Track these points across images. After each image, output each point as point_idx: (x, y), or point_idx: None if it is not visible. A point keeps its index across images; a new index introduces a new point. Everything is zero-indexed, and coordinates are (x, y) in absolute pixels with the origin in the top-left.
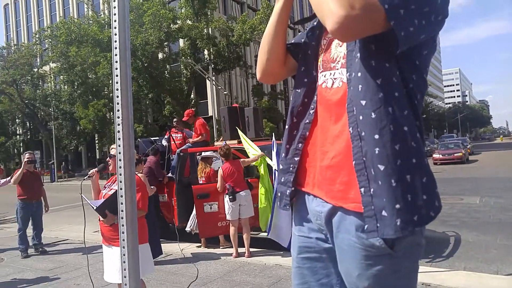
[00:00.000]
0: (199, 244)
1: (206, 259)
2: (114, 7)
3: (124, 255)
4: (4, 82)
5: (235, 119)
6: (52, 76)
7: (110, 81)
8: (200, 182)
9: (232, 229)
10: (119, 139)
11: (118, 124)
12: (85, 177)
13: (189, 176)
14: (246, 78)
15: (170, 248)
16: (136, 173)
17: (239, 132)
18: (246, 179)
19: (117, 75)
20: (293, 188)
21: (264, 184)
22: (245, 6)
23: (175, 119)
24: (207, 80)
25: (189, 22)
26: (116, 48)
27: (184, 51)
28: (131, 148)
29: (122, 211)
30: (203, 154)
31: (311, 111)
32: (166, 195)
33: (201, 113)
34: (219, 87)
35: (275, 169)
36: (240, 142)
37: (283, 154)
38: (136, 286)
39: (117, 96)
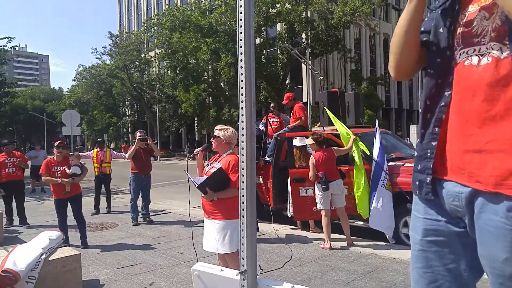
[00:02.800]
0: (293, 227)
1: (299, 241)
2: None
3: (242, 224)
4: (117, 67)
5: (334, 104)
6: (156, 62)
7: (210, 67)
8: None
9: (325, 219)
10: (242, 115)
11: (242, 101)
12: (190, 156)
13: (286, 160)
14: (344, 62)
15: (263, 228)
16: (229, 153)
17: (329, 113)
18: (339, 168)
19: (241, 53)
20: (432, 176)
21: (360, 171)
22: None
23: (272, 104)
24: (303, 65)
25: (287, 5)
26: (241, 26)
27: (282, 36)
28: (253, 124)
29: (243, 182)
30: (296, 143)
31: (447, 93)
32: (261, 177)
33: (297, 98)
34: (315, 72)
35: (374, 158)
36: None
37: (418, 140)
38: (251, 253)
39: (241, 74)
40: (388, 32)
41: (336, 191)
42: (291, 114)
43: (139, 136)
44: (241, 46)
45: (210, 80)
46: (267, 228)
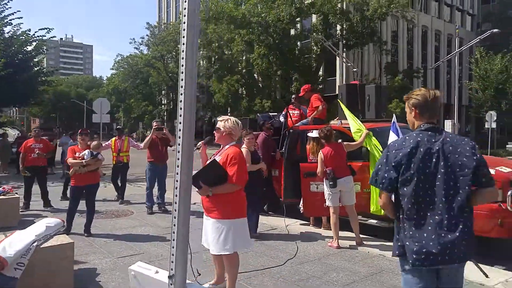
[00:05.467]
0: (305, 222)
1: (309, 239)
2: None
3: (174, 225)
4: (154, 57)
5: (353, 97)
6: None
7: (243, 57)
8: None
9: (333, 217)
10: (180, 108)
11: (181, 94)
12: (195, 149)
13: (300, 153)
14: (379, 54)
15: (277, 223)
16: (231, 145)
17: (342, 106)
18: (349, 164)
19: (183, 51)
20: None
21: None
22: None
23: (293, 96)
24: (337, 57)
25: None
26: (184, 30)
27: (316, 27)
28: (192, 121)
29: (176, 181)
30: (311, 135)
31: None
32: (277, 170)
33: (329, 91)
34: (349, 64)
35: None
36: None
37: None
38: (182, 258)
39: (182, 65)
40: (427, 24)
41: (345, 188)
42: (309, 106)
43: (155, 126)
44: (183, 37)
45: (244, 71)
46: (279, 223)
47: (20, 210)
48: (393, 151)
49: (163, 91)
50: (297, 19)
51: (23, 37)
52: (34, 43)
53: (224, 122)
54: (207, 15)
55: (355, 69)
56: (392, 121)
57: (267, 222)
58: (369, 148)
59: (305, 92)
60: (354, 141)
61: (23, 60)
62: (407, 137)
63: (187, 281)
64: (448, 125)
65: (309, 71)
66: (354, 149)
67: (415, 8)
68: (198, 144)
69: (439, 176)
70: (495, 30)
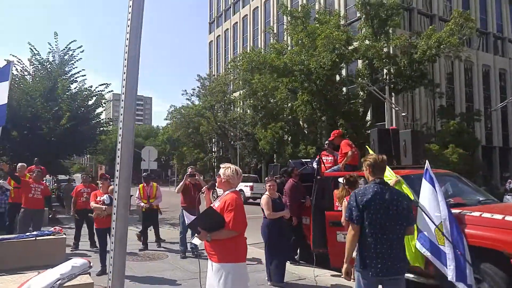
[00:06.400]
0: (336, 273)
1: None
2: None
3: (111, 265)
4: (204, 107)
5: (386, 142)
6: (239, 102)
7: (288, 105)
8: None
9: None
10: (118, 156)
11: (119, 142)
12: (201, 193)
13: (328, 201)
14: (431, 97)
15: (306, 273)
16: (230, 192)
17: (370, 152)
18: None
19: (123, 93)
20: None
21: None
22: (436, 18)
23: (326, 142)
24: (385, 102)
25: (367, 42)
26: (125, 73)
27: (361, 72)
28: (129, 167)
29: (113, 228)
30: (341, 180)
31: None
32: (308, 218)
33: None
34: (396, 109)
35: (418, 203)
36: (392, 169)
37: None
38: None
39: (121, 121)
40: (489, 63)
41: None
42: (339, 152)
43: (189, 172)
44: (123, 86)
45: (289, 117)
46: (308, 273)
47: (70, 249)
48: (359, 197)
49: (213, 139)
50: (340, 65)
51: (86, 93)
52: (94, 98)
53: (224, 169)
54: (249, 65)
55: (403, 114)
56: (425, 168)
57: (296, 271)
58: None
59: (335, 137)
60: None
61: (85, 113)
62: (367, 187)
63: None
64: None
65: (355, 116)
66: None
67: (472, 47)
68: (203, 189)
69: (390, 215)
70: None
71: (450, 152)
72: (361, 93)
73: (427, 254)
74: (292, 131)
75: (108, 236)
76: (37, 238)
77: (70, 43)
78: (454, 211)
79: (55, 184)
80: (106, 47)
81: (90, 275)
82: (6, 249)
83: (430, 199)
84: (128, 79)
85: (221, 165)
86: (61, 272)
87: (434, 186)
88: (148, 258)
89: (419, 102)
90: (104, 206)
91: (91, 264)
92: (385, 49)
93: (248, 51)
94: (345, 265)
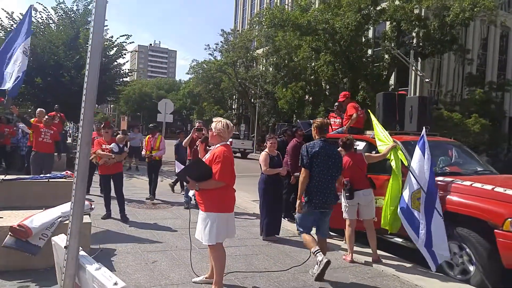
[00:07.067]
0: (335, 234)
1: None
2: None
3: (72, 204)
4: (226, 63)
5: (391, 107)
6: (262, 59)
7: (309, 64)
8: None
9: (348, 230)
10: (83, 107)
11: (84, 94)
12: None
13: None
14: (461, 64)
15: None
16: (220, 145)
17: (371, 116)
18: (369, 177)
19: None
20: None
21: (396, 182)
22: None
23: (336, 104)
24: (410, 67)
25: (397, 2)
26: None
27: (387, 34)
28: (92, 109)
29: (76, 164)
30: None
31: None
32: None
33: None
34: (420, 74)
35: (410, 168)
36: (393, 134)
37: None
38: (75, 231)
39: (86, 83)
40: None
41: (362, 201)
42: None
43: (197, 126)
44: (90, 44)
45: (311, 78)
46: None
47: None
48: (309, 149)
49: (234, 96)
50: (365, 26)
51: (107, 43)
52: (115, 48)
53: (216, 123)
54: (272, 22)
55: (427, 80)
56: (421, 135)
57: (291, 228)
58: (391, 162)
59: (345, 98)
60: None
61: (106, 63)
62: (315, 142)
63: (81, 253)
64: None
65: (378, 80)
66: (376, 161)
67: (510, 12)
68: (197, 143)
69: (329, 164)
70: None
71: (472, 122)
72: (386, 56)
73: (402, 219)
74: (313, 91)
75: (111, 182)
76: (50, 180)
77: None
78: (446, 179)
79: (76, 132)
80: None
81: (90, 216)
82: (22, 188)
83: (418, 165)
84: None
85: (213, 119)
86: (62, 210)
87: (423, 154)
88: (153, 207)
89: (447, 68)
90: (112, 154)
91: (93, 206)
92: (415, 11)
93: (271, 7)
94: (298, 201)
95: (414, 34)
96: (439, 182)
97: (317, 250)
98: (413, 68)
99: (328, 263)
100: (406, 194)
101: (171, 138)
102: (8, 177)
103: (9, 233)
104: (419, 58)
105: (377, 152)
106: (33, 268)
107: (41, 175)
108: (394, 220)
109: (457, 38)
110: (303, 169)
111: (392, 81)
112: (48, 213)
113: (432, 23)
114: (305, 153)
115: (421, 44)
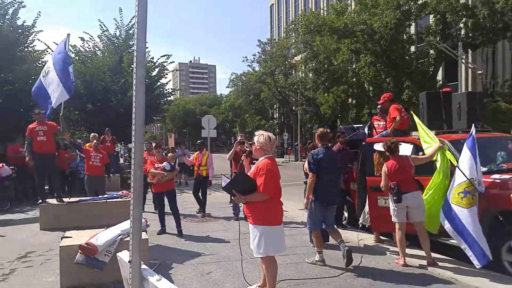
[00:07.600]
0: (385, 238)
1: (377, 253)
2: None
3: (131, 221)
4: (264, 73)
5: (436, 106)
6: (300, 66)
7: (349, 67)
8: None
9: (398, 233)
10: (133, 130)
11: (134, 107)
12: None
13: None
14: None
15: (352, 237)
16: (264, 158)
17: (414, 117)
18: (417, 179)
19: (134, 61)
20: None
21: (442, 183)
22: None
23: (379, 106)
24: (459, 60)
25: None
26: (135, 53)
27: (430, 28)
28: (142, 131)
29: (132, 187)
30: (377, 147)
31: None
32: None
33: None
34: (471, 66)
35: (457, 166)
36: (438, 133)
37: None
38: (136, 247)
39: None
40: None
41: (411, 203)
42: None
43: (239, 140)
44: (135, 56)
45: (353, 80)
46: (353, 237)
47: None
48: (315, 156)
49: (274, 106)
50: (406, 23)
51: (149, 64)
52: (157, 69)
53: (258, 137)
54: (308, 28)
55: (479, 72)
56: (470, 133)
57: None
58: (437, 163)
59: (384, 101)
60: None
61: (148, 84)
62: (319, 150)
63: (143, 266)
64: None
65: (424, 77)
66: (423, 162)
67: None
68: (242, 157)
69: (331, 167)
70: None
71: None
72: (431, 51)
73: (446, 225)
74: (356, 94)
75: (165, 199)
76: (107, 200)
77: (133, 18)
78: (504, 176)
79: (127, 153)
80: (168, 18)
81: (146, 233)
82: (84, 209)
83: (467, 163)
84: (138, 45)
85: (255, 133)
86: (121, 228)
87: (473, 154)
88: (205, 220)
89: (502, 57)
90: (165, 172)
91: (148, 223)
92: (461, 0)
93: (306, 14)
94: (305, 200)
95: (461, 25)
96: (496, 180)
97: (321, 252)
98: (463, 61)
99: (350, 251)
100: (449, 192)
101: (216, 151)
102: (72, 199)
103: (79, 251)
104: (469, 50)
105: (424, 153)
106: (102, 282)
107: (100, 196)
108: (431, 219)
109: (510, 25)
110: (311, 173)
111: (439, 76)
112: (110, 231)
113: (481, 12)
114: (312, 160)
115: (470, 34)
